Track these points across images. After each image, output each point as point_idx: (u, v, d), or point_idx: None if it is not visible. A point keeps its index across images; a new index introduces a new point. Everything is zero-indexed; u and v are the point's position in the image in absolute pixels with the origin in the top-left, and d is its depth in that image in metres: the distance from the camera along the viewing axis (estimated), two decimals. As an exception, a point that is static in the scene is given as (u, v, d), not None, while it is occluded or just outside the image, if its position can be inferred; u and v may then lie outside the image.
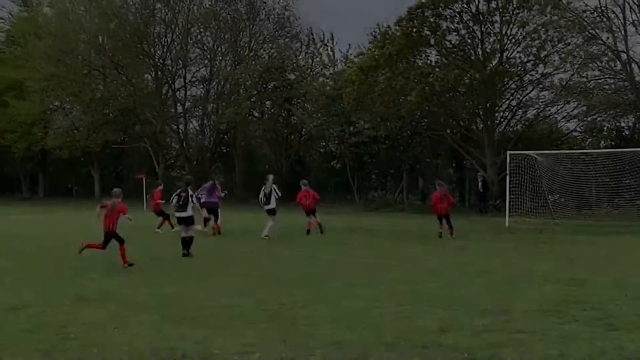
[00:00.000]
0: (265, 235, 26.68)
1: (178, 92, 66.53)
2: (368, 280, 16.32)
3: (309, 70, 58.57)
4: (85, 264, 19.56)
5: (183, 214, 21.92)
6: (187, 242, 21.64)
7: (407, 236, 28.27)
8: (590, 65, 41.12)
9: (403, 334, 10.87)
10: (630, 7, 39.59)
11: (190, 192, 22.05)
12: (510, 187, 33.92)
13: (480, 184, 43.55)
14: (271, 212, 27.35)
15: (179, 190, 22.29)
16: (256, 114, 62.09)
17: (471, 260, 20.07)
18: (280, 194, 27.76)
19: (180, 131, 66.84)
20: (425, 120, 49.82)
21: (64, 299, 14.07)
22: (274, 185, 27.75)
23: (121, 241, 19.17)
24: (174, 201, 22.14)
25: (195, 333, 11.05)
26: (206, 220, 27.68)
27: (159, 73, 65.02)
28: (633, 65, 40.44)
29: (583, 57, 40.18)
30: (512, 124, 49.05)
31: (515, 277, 16.61)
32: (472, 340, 10.49)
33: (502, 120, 47.84)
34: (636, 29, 39.56)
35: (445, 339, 10.55)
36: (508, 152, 35.83)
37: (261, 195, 27.78)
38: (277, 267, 18.82)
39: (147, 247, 23.95)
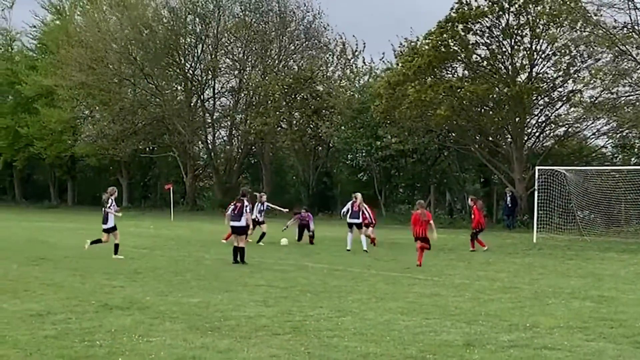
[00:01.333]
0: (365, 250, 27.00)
1: (207, 102, 66.72)
2: (393, 293, 16.27)
3: (339, 81, 58.51)
4: (111, 271, 19.65)
5: (236, 224, 22.64)
6: (241, 252, 22.39)
7: (434, 250, 28.10)
8: (621, 81, 40.83)
9: (428, 347, 10.81)
10: (661, 23, 39.31)
11: (246, 203, 22.72)
12: (538, 203, 33.74)
13: (508, 199, 43.35)
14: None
15: (235, 201, 23.22)
16: (284, 125, 62.11)
17: (498, 275, 19.97)
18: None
19: (208, 141, 67.04)
20: (453, 134, 49.67)
21: (89, 306, 14.12)
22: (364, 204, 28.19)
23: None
24: (229, 211, 23.07)
25: (219, 343, 11.04)
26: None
27: (189, 83, 65.26)
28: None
29: (613, 73, 39.90)
30: (541, 139, 48.78)
31: (542, 293, 16.50)
32: (497, 355, 10.41)
33: (531, 135, 47.62)
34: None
35: (471, 354, 10.48)
36: (537, 168, 35.64)
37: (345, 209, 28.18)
38: (303, 278, 18.79)
39: (173, 256, 24.01)
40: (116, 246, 23.62)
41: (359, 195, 28.23)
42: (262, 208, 30.24)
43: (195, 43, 64.16)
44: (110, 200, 23.73)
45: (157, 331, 11.87)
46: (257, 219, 29.17)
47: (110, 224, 23.59)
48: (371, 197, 52.66)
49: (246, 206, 22.57)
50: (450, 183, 53.39)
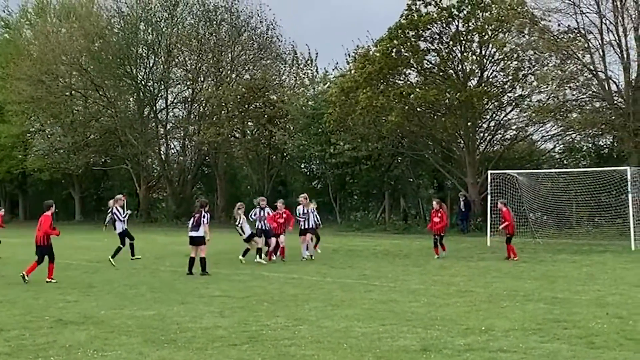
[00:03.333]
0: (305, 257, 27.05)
1: (160, 113, 66.43)
2: (350, 300, 16.31)
3: (291, 90, 58.54)
4: (65, 285, 19.49)
5: (194, 234, 22.59)
6: (202, 263, 22.34)
7: (389, 256, 28.27)
8: (568, 85, 41.31)
9: (385, 354, 10.86)
10: (607, 28, 39.86)
11: (204, 213, 22.58)
12: (491, 207, 33.98)
13: (462, 203, 43.66)
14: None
15: (194, 212, 23.14)
16: (238, 135, 62.02)
17: (453, 279, 20.09)
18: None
19: (161, 152, 66.71)
20: (406, 140, 49.91)
21: (42, 321, 13.99)
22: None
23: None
24: (190, 222, 23.02)
25: (175, 355, 11.01)
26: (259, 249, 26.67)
27: (141, 94, 64.92)
28: (611, 84, 40.69)
29: (560, 77, 40.36)
30: (492, 144, 49.21)
31: (497, 296, 16.64)
32: (454, 359, 10.48)
33: (482, 140, 48.01)
34: (613, 48, 39.82)
35: (427, 359, 10.54)
36: (489, 172, 35.95)
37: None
38: (259, 287, 18.76)
39: (127, 269, 23.87)
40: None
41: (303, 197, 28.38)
42: (262, 215, 27.12)
43: (147, 53, 63.87)
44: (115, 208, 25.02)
45: (113, 345, 11.80)
46: (261, 227, 26.79)
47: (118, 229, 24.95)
48: (326, 204, 52.78)
49: (204, 216, 22.51)
50: (404, 189, 53.61)
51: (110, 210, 26.85)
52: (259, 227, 26.78)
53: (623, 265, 23.42)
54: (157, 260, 27.71)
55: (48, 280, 20.43)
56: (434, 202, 28.17)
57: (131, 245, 27.18)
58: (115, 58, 61.72)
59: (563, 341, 11.61)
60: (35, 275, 20.78)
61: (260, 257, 26.00)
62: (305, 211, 27.72)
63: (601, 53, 40.14)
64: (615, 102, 40.42)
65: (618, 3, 39.26)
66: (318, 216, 29.06)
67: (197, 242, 22.47)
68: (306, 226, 27.53)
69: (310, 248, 27.53)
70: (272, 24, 61.73)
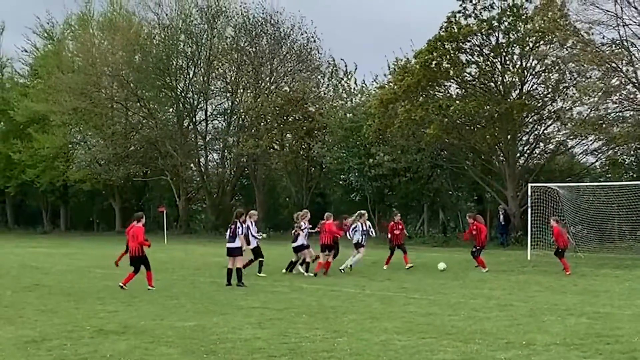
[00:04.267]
0: (345, 268, 26.66)
1: (199, 124, 66.77)
2: (389, 313, 16.26)
3: (330, 102, 58.53)
4: (106, 295, 19.61)
5: (231, 245, 22.76)
6: (238, 273, 22.37)
7: (428, 269, 28.15)
8: (610, 98, 40.99)
9: (424, 367, 10.80)
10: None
11: (239, 225, 22.73)
12: (531, 220, 33.76)
13: (501, 216, 43.41)
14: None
15: (230, 223, 23.26)
16: (276, 147, 62.13)
17: (493, 293, 19.96)
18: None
19: (201, 164, 67.02)
20: (446, 152, 49.74)
21: (84, 331, 14.08)
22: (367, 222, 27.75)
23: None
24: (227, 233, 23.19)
25: (215, 366, 11.02)
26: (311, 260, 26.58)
27: (181, 106, 65.30)
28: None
29: (602, 90, 40.05)
30: (532, 157, 48.90)
31: (538, 310, 16.50)
32: (494, 374, 10.42)
33: (522, 152, 47.72)
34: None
35: (467, 373, 10.48)
36: (529, 185, 35.68)
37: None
38: (297, 299, 18.75)
39: (167, 279, 23.97)
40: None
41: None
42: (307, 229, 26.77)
43: (187, 65, 64.26)
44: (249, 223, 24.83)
45: (153, 355, 11.85)
46: (304, 244, 26.44)
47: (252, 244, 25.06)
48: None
49: (239, 227, 22.55)
50: (443, 201, 53.42)
51: (244, 224, 26.21)
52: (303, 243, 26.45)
53: (666, 280, 23.16)
54: (197, 271, 27.81)
55: (149, 287, 20.87)
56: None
57: (260, 262, 26.34)
58: (155, 69, 62.15)
59: (605, 356, 11.50)
60: (75, 285, 20.88)
61: (307, 271, 25.89)
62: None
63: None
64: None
65: (661, 14, 38.95)
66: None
67: (233, 253, 22.55)
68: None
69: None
70: (312, 37, 61.82)
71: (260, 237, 25.99)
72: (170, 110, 67.51)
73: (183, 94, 64.89)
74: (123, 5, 69.49)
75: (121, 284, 20.78)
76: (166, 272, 26.70)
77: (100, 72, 63.62)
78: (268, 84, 61.80)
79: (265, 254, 25.92)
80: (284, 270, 26.39)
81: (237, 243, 22.51)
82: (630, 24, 39.85)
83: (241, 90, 63.92)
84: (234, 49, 61.93)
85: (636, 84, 40.05)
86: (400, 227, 29.28)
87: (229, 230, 22.98)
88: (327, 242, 26.23)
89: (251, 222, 25.52)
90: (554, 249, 27.11)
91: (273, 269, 26.46)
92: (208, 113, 66.70)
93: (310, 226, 26.76)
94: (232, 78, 63.80)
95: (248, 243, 24.69)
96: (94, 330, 14.15)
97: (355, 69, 59.32)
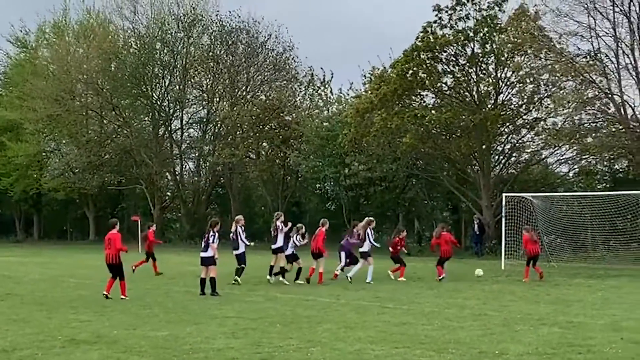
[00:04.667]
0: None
1: (175, 133, 66.69)
2: (363, 322, 16.23)
3: (306, 111, 58.61)
4: (78, 305, 19.48)
5: (204, 254, 22.51)
6: (212, 283, 22.19)
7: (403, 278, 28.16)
8: (584, 109, 41.28)
9: (397, 377, 10.79)
10: (623, 51, 39.87)
11: (212, 234, 22.46)
12: (506, 230, 33.90)
13: (476, 226, 43.55)
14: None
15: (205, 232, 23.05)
16: (252, 156, 62.14)
17: (467, 302, 19.99)
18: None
19: (176, 173, 66.88)
20: (421, 162, 49.91)
21: (55, 341, 13.96)
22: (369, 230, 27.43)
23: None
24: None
25: (188, 376, 10.96)
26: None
27: (156, 114, 65.17)
28: (627, 108, 40.62)
29: (576, 101, 40.33)
30: (507, 167, 49.15)
31: (511, 319, 16.53)
32: (467, 383, 10.43)
33: (497, 162, 47.94)
34: (629, 72, 39.77)
35: (440, 383, 10.48)
36: (504, 195, 35.83)
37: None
38: (272, 309, 18.69)
39: (141, 289, 23.85)
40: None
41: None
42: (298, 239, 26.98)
43: (163, 73, 64.17)
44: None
45: (125, 365, 11.77)
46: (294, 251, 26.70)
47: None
48: (340, 226, 52.68)
49: (211, 236, 22.40)
50: (418, 211, 53.55)
51: (235, 230, 26.32)
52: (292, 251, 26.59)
53: (638, 290, 23.27)
54: (171, 280, 27.70)
55: (122, 297, 20.64)
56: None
57: (241, 268, 26.34)
58: (131, 78, 62.05)
59: (578, 366, 11.53)
60: (48, 294, 20.76)
61: (298, 279, 26.03)
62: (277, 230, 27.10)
63: (617, 76, 40.12)
64: (631, 126, 40.31)
65: (634, 26, 39.25)
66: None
67: (207, 262, 22.40)
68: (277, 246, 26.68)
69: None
70: (289, 46, 61.96)
71: (249, 244, 25.92)
72: (146, 118, 67.41)
73: (159, 102, 64.80)
74: (99, 13, 69.43)
75: (105, 293, 20.71)
76: (140, 281, 26.54)
77: (75, 79, 63.41)
78: (244, 92, 61.87)
79: (232, 261, 25.83)
80: (268, 277, 26.33)
81: (209, 252, 22.37)
82: (604, 36, 40.25)
83: (217, 99, 63.95)
84: (210, 57, 61.94)
85: (609, 95, 40.34)
86: (403, 243, 29.46)
87: (203, 239, 22.87)
88: (316, 250, 26.51)
89: (240, 228, 25.58)
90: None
91: (248, 278, 26.38)
92: (184, 121, 66.72)
93: (287, 228, 26.68)
94: (208, 86, 63.86)
95: (237, 248, 25.07)
96: (65, 340, 14.04)
97: (332, 77, 59.47)
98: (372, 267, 26.84)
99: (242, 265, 25.55)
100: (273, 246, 26.28)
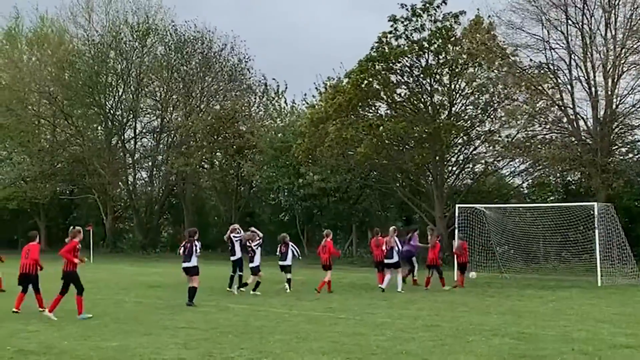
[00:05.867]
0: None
1: (128, 143, 66.29)
2: (315, 333, 16.20)
3: (260, 121, 58.61)
4: (29, 315, 19.22)
5: (187, 264, 22.41)
6: (190, 293, 22.12)
7: (356, 289, 28.17)
8: (537, 120, 41.65)
9: (349, 388, 10.76)
10: (576, 64, 40.34)
11: (196, 243, 22.48)
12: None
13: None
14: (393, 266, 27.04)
15: (184, 242, 22.88)
16: (206, 165, 61.95)
17: (420, 313, 20.02)
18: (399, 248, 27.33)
19: (129, 182, 66.43)
20: (375, 172, 50.01)
21: (4, 351, 13.79)
22: (395, 238, 27.18)
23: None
24: (180, 252, 22.95)
25: (137, 387, 10.85)
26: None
27: (110, 123, 64.73)
28: (579, 120, 41.05)
29: (529, 113, 40.69)
30: (461, 178, 49.39)
31: (463, 330, 16.58)
32: (418, 394, 10.42)
33: (451, 173, 48.14)
34: (581, 84, 40.24)
35: (392, 393, 10.46)
36: (457, 206, 35.99)
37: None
38: (224, 319, 18.58)
39: (92, 300, 23.59)
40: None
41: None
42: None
43: (116, 82, 63.80)
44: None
45: (74, 377, 11.62)
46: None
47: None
48: (293, 237, 52.64)
49: (196, 246, 22.34)
50: (372, 222, 53.60)
51: (237, 239, 26.58)
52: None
53: (589, 301, 23.47)
54: (122, 290, 27.45)
55: (15, 310, 20.09)
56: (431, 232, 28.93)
57: (238, 277, 26.47)
58: (84, 87, 61.55)
59: (529, 376, 11.58)
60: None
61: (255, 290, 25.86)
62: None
63: (570, 89, 40.56)
64: (583, 138, 40.74)
65: (587, 39, 39.74)
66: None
67: (190, 272, 22.32)
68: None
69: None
70: (244, 56, 61.98)
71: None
72: (99, 128, 66.96)
73: (112, 112, 64.41)
74: (53, 21, 68.81)
75: (15, 310, 20.22)
76: (91, 291, 26.23)
77: (28, 88, 62.74)
78: (199, 102, 61.63)
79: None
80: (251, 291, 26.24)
81: (193, 262, 22.24)
82: (557, 48, 40.70)
83: (171, 108, 63.64)
84: (164, 66, 61.66)
85: (561, 107, 40.75)
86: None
87: (183, 249, 22.61)
88: (327, 262, 26.99)
89: (237, 236, 26.35)
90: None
91: (201, 288, 26.21)
92: (137, 131, 66.26)
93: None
94: (162, 96, 63.56)
95: (234, 254, 26.12)
96: (14, 351, 13.86)
97: (286, 88, 59.56)
98: (397, 277, 27.07)
99: (240, 273, 26.27)
100: (251, 265, 26.10)
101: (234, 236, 26.68)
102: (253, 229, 27.20)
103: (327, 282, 26.66)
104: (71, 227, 20.69)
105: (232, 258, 26.59)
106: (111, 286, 29.22)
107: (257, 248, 26.16)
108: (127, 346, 14.43)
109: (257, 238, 26.44)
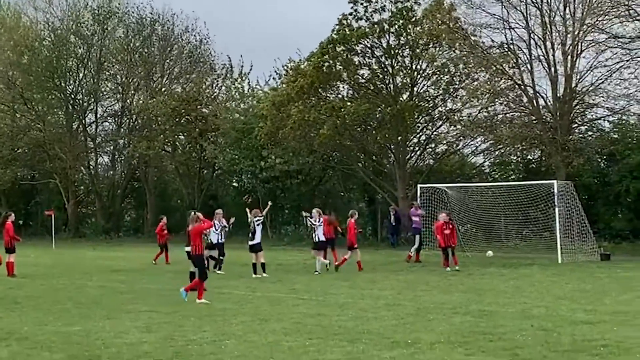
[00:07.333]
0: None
1: (89, 127, 65.74)
2: (278, 314, 16.26)
3: (223, 104, 58.35)
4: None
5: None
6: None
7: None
8: (497, 100, 41.85)
9: (310, 368, 10.82)
10: (536, 43, 40.53)
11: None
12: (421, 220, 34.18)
13: (392, 217, 43.78)
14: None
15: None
16: (168, 149, 61.64)
17: (382, 293, 20.13)
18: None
19: (90, 167, 65.96)
20: (337, 154, 50.06)
21: (-37, 338, 13.70)
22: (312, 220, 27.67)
23: None
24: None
25: (98, 371, 10.84)
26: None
27: (70, 108, 64.14)
28: (539, 99, 41.29)
29: (490, 92, 40.86)
30: (423, 158, 49.58)
31: (424, 309, 16.72)
32: (379, 373, 10.50)
33: (413, 153, 48.30)
34: (541, 63, 40.47)
35: (353, 372, 10.54)
36: (419, 186, 36.16)
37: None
38: (187, 302, 18.56)
39: (54, 285, 23.50)
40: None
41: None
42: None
43: (77, 66, 63.19)
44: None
45: (35, 362, 11.59)
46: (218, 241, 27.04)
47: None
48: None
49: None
50: (335, 203, 53.68)
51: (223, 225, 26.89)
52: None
53: (549, 278, 23.72)
54: (85, 275, 27.32)
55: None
56: (444, 215, 28.60)
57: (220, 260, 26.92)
58: (44, 71, 60.86)
59: (488, 354, 11.71)
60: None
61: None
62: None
63: (529, 68, 40.78)
64: (543, 116, 41.01)
65: (546, 18, 39.90)
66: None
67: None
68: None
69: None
70: (205, 38, 61.68)
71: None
72: (60, 112, 66.19)
73: (72, 96, 63.76)
74: (10, 4, 68.03)
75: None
76: (52, 276, 26.17)
77: (-15, 72, 62.01)
78: (160, 85, 61.27)
79: (148, 255, 25.74)
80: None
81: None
82: (516, 27, 40.82)
83: (132, 92, 63.19)
84: (124, 49, 61.21)
85: (521, 86, 40.97)
86: (451, 226, 28.51)
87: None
88: (353, 240, 27.71)
89: (220, 220, 26.99)
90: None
91: (163, 272, 26.21)
92: (98, 115, 65.69)
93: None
94: (123, 79, 63.10)
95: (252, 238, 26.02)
96: (-27, 337, 13.79)
97: (251, 69, 59.40)
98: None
99: (221, 257, 26.96)
100: (251, 242, 26.22)
101: (256, 220, 26.53)
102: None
103: (357, 262, 27.43)
104: (192, 213, 20.43)
105: (251, 243, 26.35)
106: (73, 271, 29.08)
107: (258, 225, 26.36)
108: (88, 330, 14.40)
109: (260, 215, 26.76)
